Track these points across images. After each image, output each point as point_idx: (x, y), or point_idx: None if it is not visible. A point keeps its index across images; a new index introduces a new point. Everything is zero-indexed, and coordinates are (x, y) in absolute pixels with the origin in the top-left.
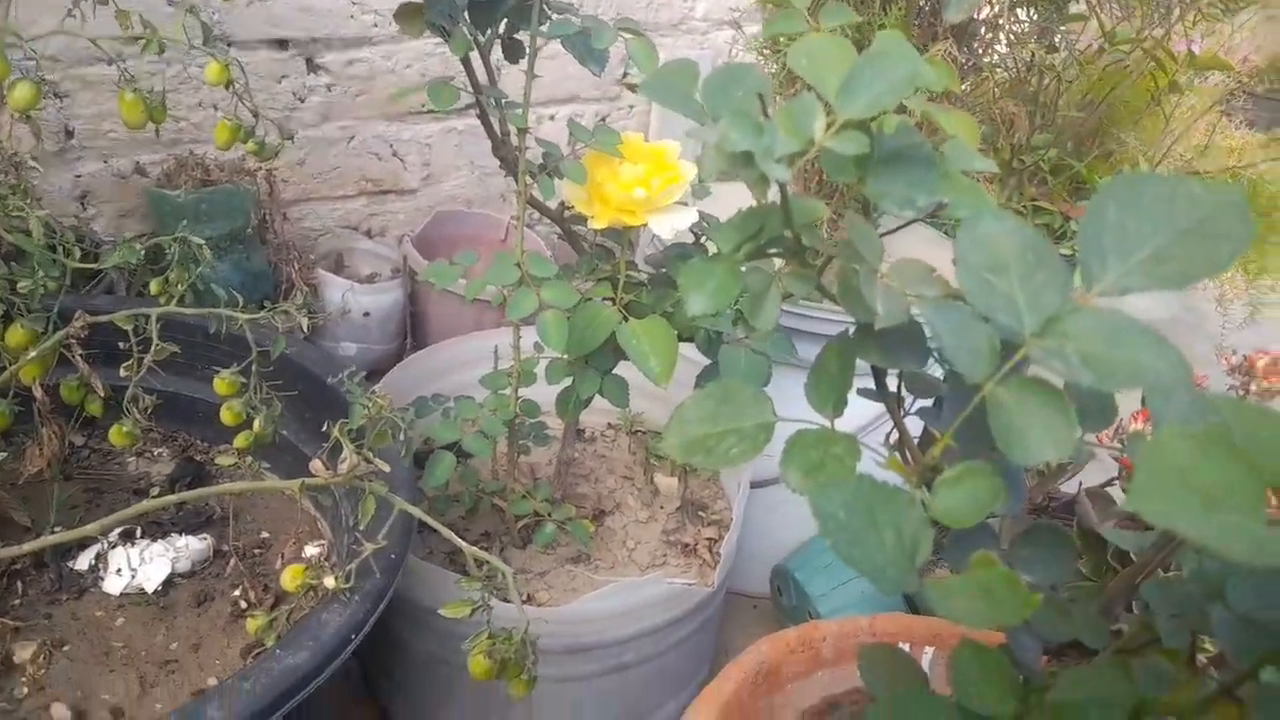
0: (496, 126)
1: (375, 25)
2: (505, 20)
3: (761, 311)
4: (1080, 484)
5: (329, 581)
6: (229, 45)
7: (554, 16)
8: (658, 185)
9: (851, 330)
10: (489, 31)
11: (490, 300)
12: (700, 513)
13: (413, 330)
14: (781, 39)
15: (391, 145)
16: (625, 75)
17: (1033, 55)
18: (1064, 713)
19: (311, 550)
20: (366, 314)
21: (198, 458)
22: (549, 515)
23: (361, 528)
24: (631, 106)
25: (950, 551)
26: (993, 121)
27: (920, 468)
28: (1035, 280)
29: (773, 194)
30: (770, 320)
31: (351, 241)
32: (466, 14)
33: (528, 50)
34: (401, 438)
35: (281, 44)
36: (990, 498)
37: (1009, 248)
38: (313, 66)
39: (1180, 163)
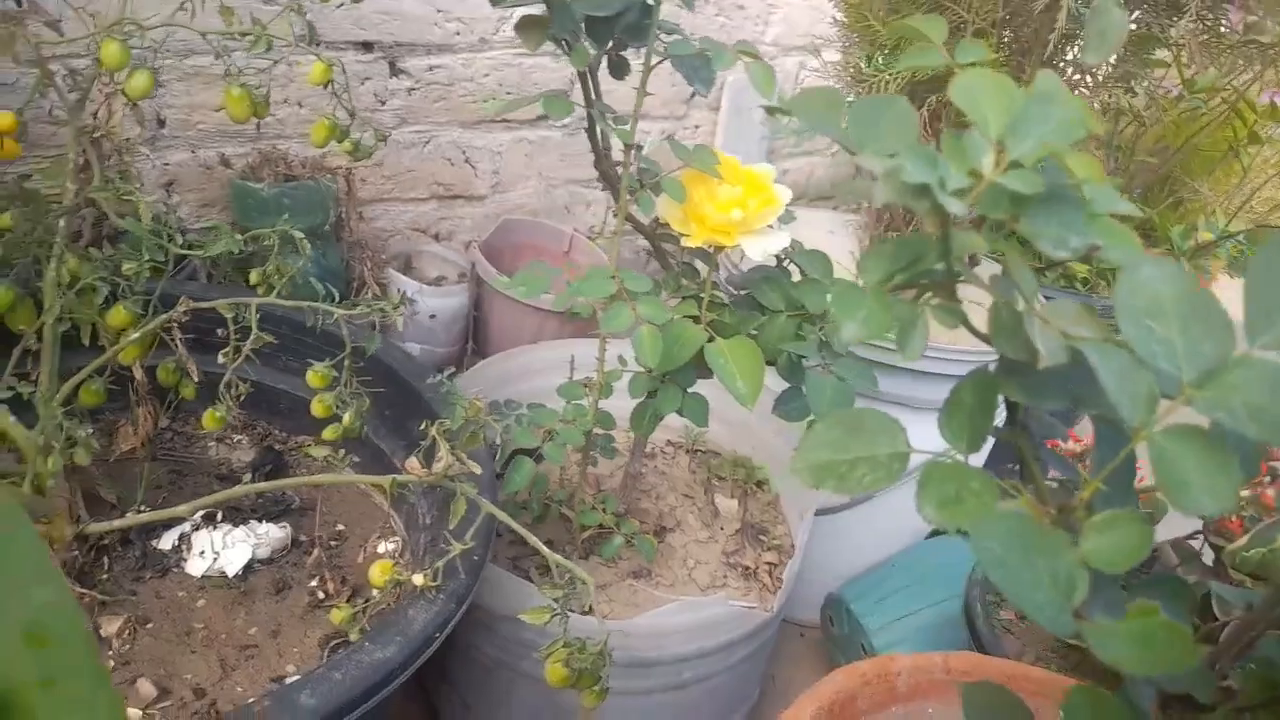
0: (600, 140)
1: (457, 34)
2: (616, 37)
3: (910, 342)
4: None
5: (417, 579)
6: (318, 45)
7: (663, 36)
8: (754, 207)
9: (992, 366)
10: (602, 48)
11: (556, 310)
12: (761, 536)
13: (475, 335)
14: (865, 67)
15: (464, 152)
16: (693, 96)
17: (1109, 97)
18: None
19: (387, 546)
20: (433, 316)
21: (277, 447)
22: (617, 528)
23: (451, 528)
24: (697, 126)
25: None
26: None
27: (1061, 511)
28: (1193, 329)
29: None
30: (918, 351)
31: (420, 244)
32: (584, 29)
33: (637, 68)
34: (498, 441)
35: (367, 46)
36: (1141, 544)
37: (1168, 295)
38: (395, 70)
39: (1256, 215)
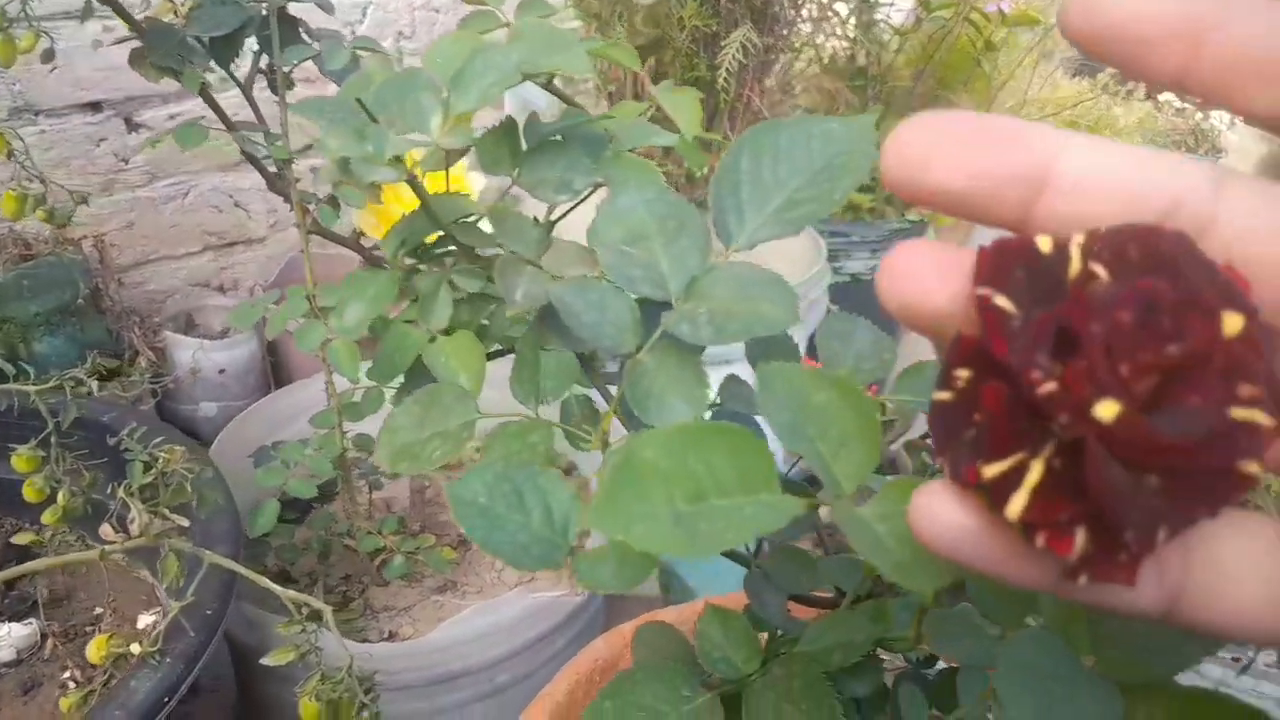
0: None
1: None
2: (262, 53)
3: (433, 312)
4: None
5: (134, 647)
6: (37, 114)
7: (314, 45)
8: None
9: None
10: (249, 66)
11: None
12: None
13: (277, 382)
14: None
15: (232, 196)
16: None
17: (845, 28)
18: (811, 659)
19: (147, 619)
20: (222, 371)
21: (17, 541)
22: (398, 548)
23: (165, 586)
24: None
25: None
26: (823, 98)
27: (602, 441)
28: (679, 246)
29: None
30: (443, 319)
31: (201, 299)
32: (209, 49)
33: (279, 78)
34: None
35: (95, 106)
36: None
37: (648, 218)
38: (132, 125)
39: (1022, 115)
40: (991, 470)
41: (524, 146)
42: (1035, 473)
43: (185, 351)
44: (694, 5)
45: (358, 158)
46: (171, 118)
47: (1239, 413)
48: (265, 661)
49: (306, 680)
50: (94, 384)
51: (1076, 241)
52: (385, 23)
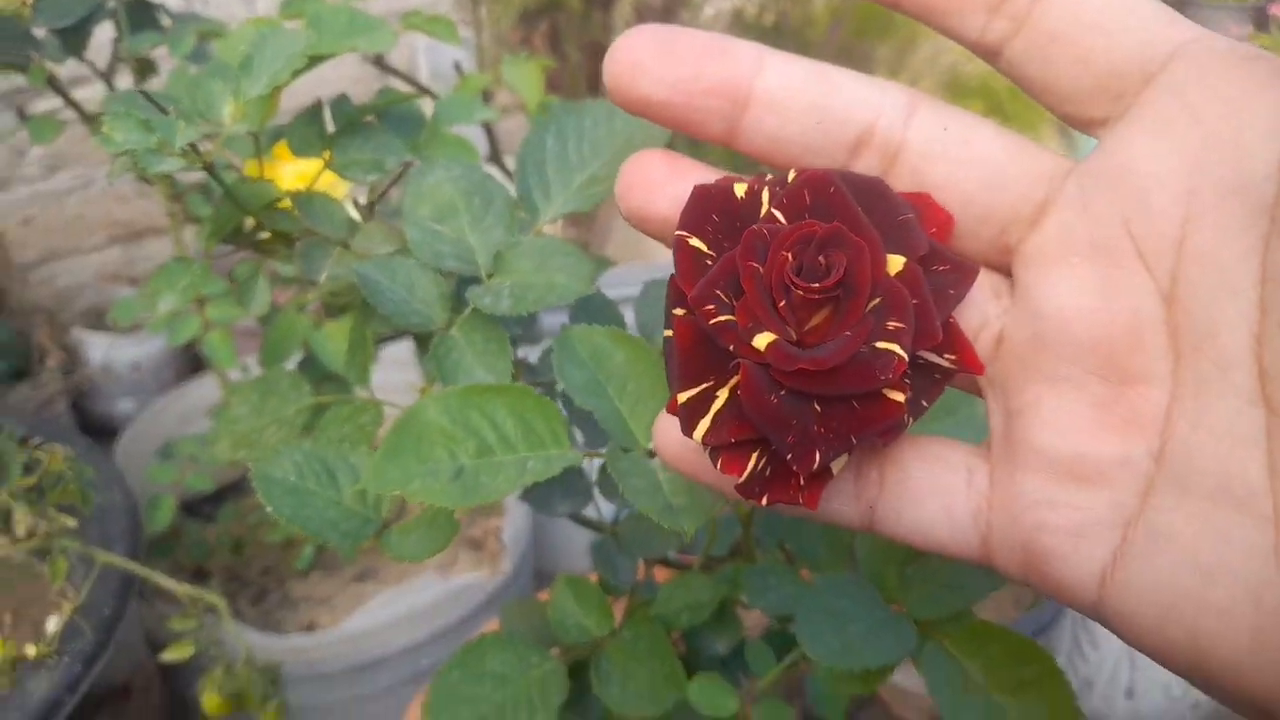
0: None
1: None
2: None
3: (251, 297)
4: None
5: (29, 650)
6: None
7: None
8: (320, 181)
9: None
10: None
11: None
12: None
13: (195, 374)
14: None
15: (138, 184)
16: None
17: None
18: (660, 620)
19: (54, 624)
20: (136, 367)
21: None
22: (304, 538)
23: (56, 587)
24: None
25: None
26: None
27: None
28: (486, 222)
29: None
30: (262, 305)
31: (111, 293)
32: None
33: (132, 66)
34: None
35: None
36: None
37: (456, 194)
38: (24, 117)
39: (942, 67)
40: (683, 397)
41: (331, 129)
42: (720, 400)
43: (96, 349)
44: None
45: (143, 149)
46: (67, 106)
47: (881, 344)
48: (164, 657)
49: (207, 673)
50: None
51: (767, 187)
52: None
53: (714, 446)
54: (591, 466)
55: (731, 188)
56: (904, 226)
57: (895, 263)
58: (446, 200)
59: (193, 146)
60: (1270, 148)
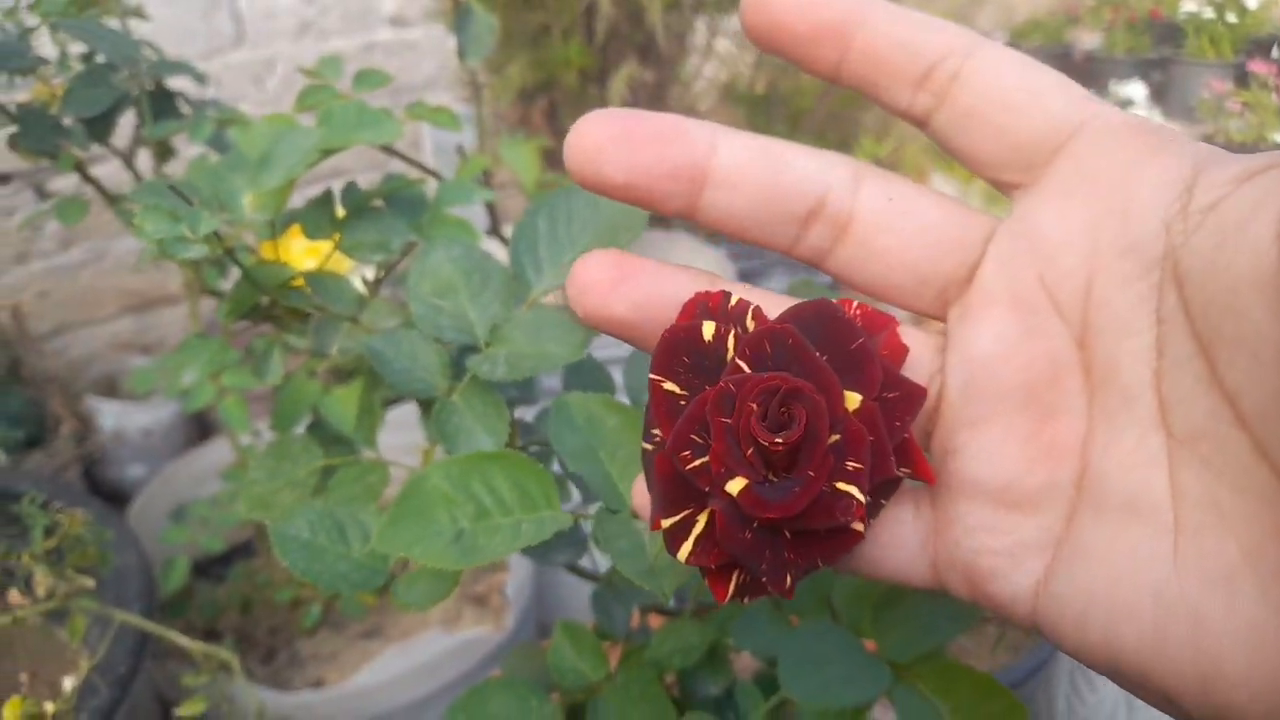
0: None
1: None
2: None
3: (268, 369)
4: None
5: (48, 707)
6: None
7: (186, 113)
8: (327, 255)
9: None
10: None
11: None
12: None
13: (203, 437)
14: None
15: None
16: None
17: (742, 58)
18: (652, 664)
19: (71, 682)
20: (147, 433)
21: None
22: (313, 595)
23: (74, 646)
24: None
25: None
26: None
27: None
28: (484, 297)
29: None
30: (276, 374)
31: (123, 361)
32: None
33: (154, 150)
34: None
35: (2, 179)
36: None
37: (455, 272)
38: (43, 195)
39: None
40: (666, 523)
41: (340, 213)
42: (699, 526)
43: (108, 416)
44: (578, 46)
45: (171, 238)
46: (82, 183)
47: (841, 484)
48: (178, 714)
49: None
50: (0, 455)
51: (733, 331)
52: (296, 76)
53: (698, 565)
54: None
55: (700, 330)
56: (859, 356)
57: (853, 399)
58: (447, 278)
59: (214, 233)
60: (1157, 210)
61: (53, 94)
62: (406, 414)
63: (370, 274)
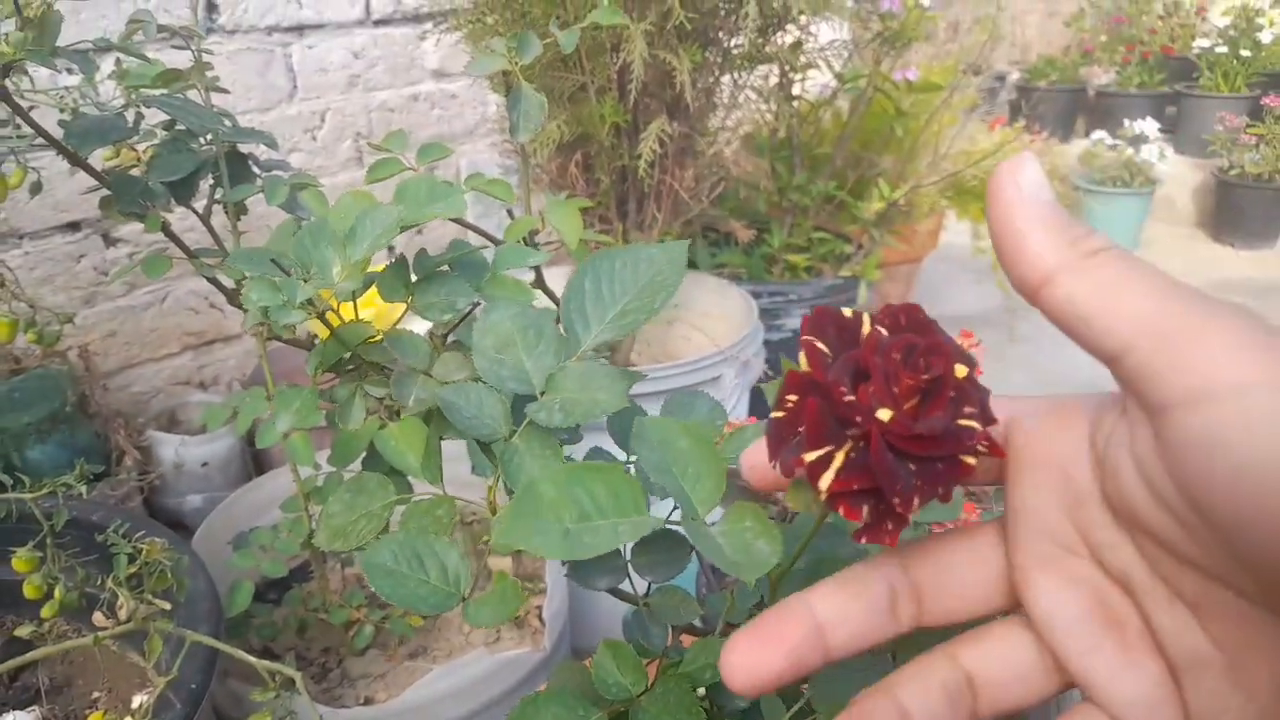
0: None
1: None
2: (217, 187)
3: (348, 415)
4: None
5: None
6: (20, 238)
7: (261, 175)
8: (382, 307)
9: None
10: (205, 201)
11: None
12: (528, 584)
13: (260, 471)
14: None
15: (207, 297)
16: None
17: (766, 109)
18: (687, 678)
19: (140, 699)
20: (205, 464)
21: (20, 635)
22: (366, 619)
23: (151, 665)
24: None
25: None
26: (751, 171)
27: (492, 506)
28: (539, 350)
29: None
30: (357, 420)
31: (183, 396)
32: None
33: (229, 211)
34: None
35: (74, 226)
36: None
37: (513, 329)
38: (110, 241)
39: (945, 169)
40: (810, 457)
41: (413, 278)
42: (839, 459)
43: (168, 448)
44: (611, 103)
45: (274, 306)
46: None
47: (963, 421)
48: None
49: None
50: (83, 487)
51: (867, 313)
52: (344, 126)
53: (834, 494)
54: (626, 548)
55: (841, 310)
56: (959, 347)
57: (961, 370)
58: (506, 334)
59: (309, 300)
60: (1083, 466)
61: (137, 159)
62: (454, 448)
63: (420, 327)
